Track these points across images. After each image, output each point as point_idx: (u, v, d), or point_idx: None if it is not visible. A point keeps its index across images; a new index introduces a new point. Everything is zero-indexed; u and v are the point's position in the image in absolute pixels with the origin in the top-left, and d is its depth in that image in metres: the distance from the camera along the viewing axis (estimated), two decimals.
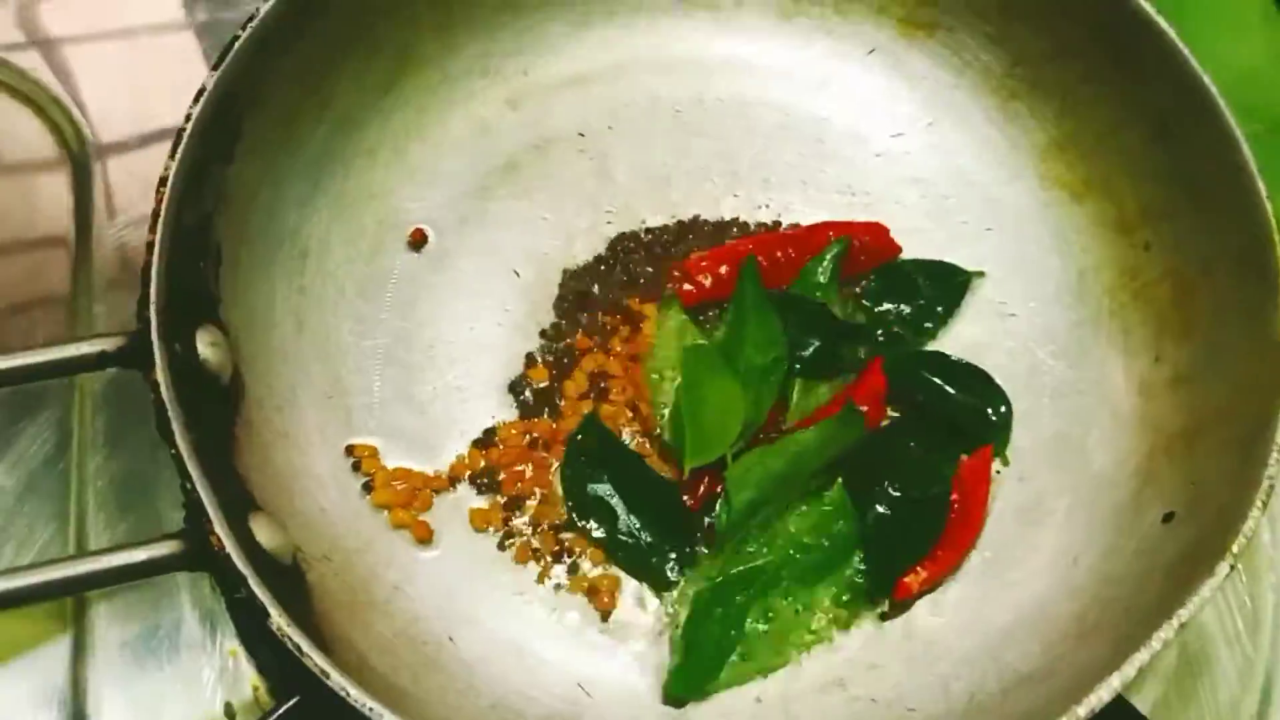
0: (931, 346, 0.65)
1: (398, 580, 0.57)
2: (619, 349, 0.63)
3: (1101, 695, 0.46)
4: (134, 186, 0.70)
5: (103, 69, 0.75)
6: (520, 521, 0.59)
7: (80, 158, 0.72)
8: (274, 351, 0.60)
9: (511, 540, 0.59)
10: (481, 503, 0.60)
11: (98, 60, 0.76)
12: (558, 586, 0.58)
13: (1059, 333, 0.65)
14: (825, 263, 0.64)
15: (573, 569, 0.58)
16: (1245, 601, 0.62)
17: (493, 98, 0.71)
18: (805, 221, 0.68)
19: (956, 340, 0.65)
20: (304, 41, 0.61)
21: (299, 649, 0.45)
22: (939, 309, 0.64)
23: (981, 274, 0.66)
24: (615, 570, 0.58)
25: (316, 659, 0.44)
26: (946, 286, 0.65)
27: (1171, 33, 0.60)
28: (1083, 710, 0.45)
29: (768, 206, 0.69)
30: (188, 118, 0.55)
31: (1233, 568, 0.48)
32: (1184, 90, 0.60)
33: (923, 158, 0.70)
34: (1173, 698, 0.60)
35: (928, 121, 0.71)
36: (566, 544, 0.59)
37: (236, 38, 0.57)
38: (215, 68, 0.56)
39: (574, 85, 0.72)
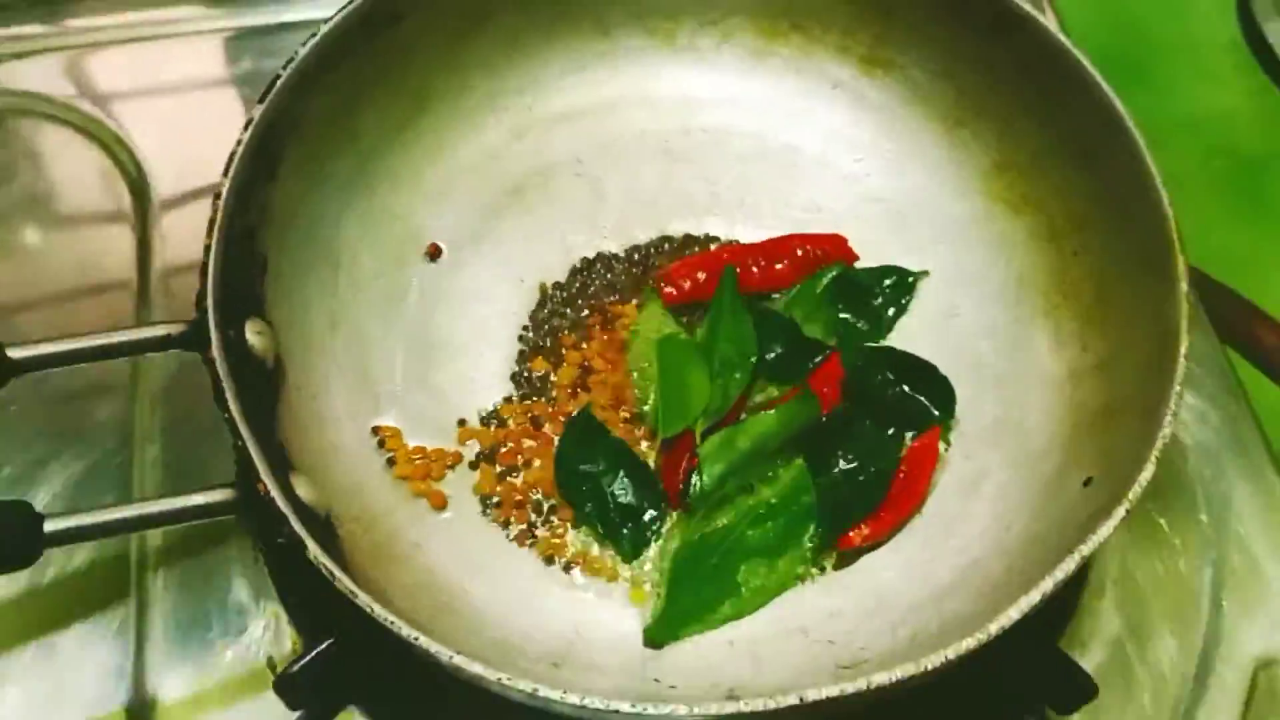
0: (886, 343, 0.73)
1: (417, 539, 0.66)
2: (600, 343, 0.72)
3: (1011, 615, 0.54)
4: (187, 233, 0.79)
5: (153, 121, 0.85)
6: (514, 486, 0.68)
7: (143, 202, 0.81)
8: (310, 346, 0.69)
9: (499, 505, 0.67)
10: (483, 473, 0.68)
11: (148, 113, 0.86)
12: (534, 542, 0.66)
13: (1000, 329, 0.73)
14: (823, 283, 0.73)
15: (554, 530, 0.67)
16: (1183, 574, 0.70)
17: (500, 130, 0.80)
18: (777, 234, 0.77)
19: (909, 338, 0.73)
20: (335, 80, 0.70)
21: (332, 574, 0.53)
22: (890, 309, 0.73)
23: (926, 273, 0.74)
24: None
25: (346, 582, 0.53)
26: (897, 287, 0.74)
27: (1088, 66, 0.69)
28: (994, 627, 0.53)
29: (744, 223, 0.78)
30: (238, 142, 0.65)
31: (1128, 512, 0.56)
32: (1101, 119, 0.69)
33: (882, 179, 0.79)
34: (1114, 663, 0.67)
35: (886, 147, 0.80)
36: (551, 509, 0.67)
37: (278, 76, 0.67)
38: (260, 101, 0.66)
39: (572, 119, 0.81)
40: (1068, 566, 0.55)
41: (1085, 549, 0.55)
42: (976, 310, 0.74)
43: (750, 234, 0.77)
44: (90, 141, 0.84)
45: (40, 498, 0.69)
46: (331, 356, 0.70)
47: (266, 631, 0.66)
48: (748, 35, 0.82)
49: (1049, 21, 0.71)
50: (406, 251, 0.76)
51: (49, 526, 0.54)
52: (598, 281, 0.75)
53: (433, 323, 0.73)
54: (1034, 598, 0.54)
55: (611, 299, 0.75)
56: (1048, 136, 0.73)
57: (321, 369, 0.69)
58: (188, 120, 0.86)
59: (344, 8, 0.69)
